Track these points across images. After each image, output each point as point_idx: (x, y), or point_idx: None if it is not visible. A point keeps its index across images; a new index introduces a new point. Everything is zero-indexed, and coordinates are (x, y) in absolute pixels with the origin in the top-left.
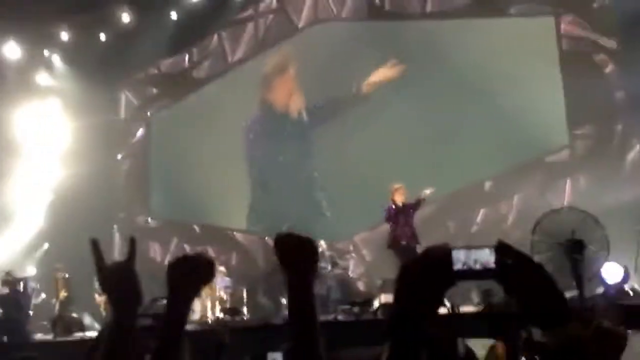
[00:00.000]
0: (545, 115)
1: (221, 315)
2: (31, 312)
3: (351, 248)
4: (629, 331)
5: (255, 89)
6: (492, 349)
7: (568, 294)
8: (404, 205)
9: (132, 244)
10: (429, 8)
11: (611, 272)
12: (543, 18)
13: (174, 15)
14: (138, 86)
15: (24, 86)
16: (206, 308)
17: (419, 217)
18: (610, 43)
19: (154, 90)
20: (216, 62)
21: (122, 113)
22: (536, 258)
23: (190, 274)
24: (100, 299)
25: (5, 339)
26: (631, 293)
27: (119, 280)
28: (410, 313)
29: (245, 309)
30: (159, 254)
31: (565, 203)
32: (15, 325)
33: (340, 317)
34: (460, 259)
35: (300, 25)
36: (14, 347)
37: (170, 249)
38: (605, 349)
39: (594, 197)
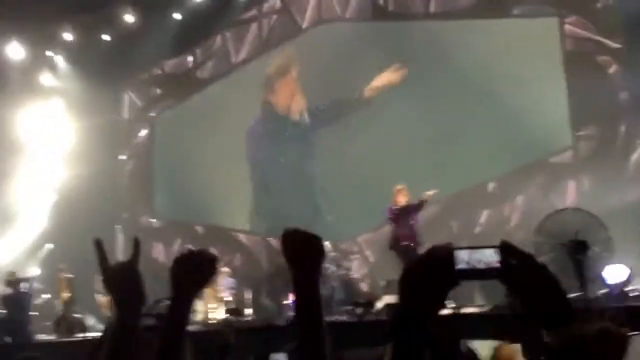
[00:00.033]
0: (549, 116)
1: (225, 316)
2: (34, 313)
3: (355, 249)
4: (633, 332)
5: (259, 89)
6: (497, 350)
7: (571, 295)
8: (406, 206)
9: (136, 244)
10: (432, 8)
11: (615, 273)
12: (546, 19)
13: (177, 16)
14: (142, 86)
15: (27, 86)
16: (209, 308)
17: (422, 218)
18: (614, 44)
19: (158, 91)
20: (220, 62)
21: (126, 113)
22: (539, 259)
23: (195, 270)
24: (102, 299)
25: (8, 339)
26: (635, 294)
27: (123, 281)
28: (414, 313)
29: (248, 310)
30: (162, 255)
31: (569, 204)
32: (18, 326)
33: (343, 318)
34: (463, 258)
35: (304, 25)
36: (17, 347)
37: (173, 250)
38: (608, 350)
39: (597, 198)
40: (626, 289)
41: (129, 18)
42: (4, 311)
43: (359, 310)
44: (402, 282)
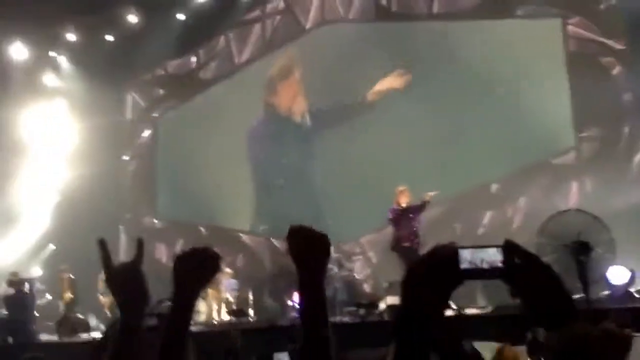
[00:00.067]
0: (552, 117)
1: (227, 317)
2: (36, 313)
3: (357, 250)
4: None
5: (261, 90)
6: (499, 352)
7: (574, 296)
8: (407, 207)
9: (139, 245)
10: (436, 9)
11: (617, 275)
12: (550, 20)
13: (180, 16)
14: (145, 87)
15: (30, 87)
16: (212, 309)
17: (425, 219)
18: (618, 45)
19: (161, 91)
20: (223, 63)
21: (129, 114)
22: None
23: (197, 267)
24: (104, 300)
25: (10, 339)
26: (637, 295)
27: (127, 281)
28: (417, 312)
29: (251, 311)
30: (165, 255)
31: (572, 205)
32: (20, 326)
33: (346, 319)
34: (467, 258)
35: (308, 26)
36: (19, 347)
37: (176, 250)
38: (610, 351)
39: (600, 199)
40: (629, 290)
41: (132, 19)
42: (7, 311)
43: (362, 311)
44: (405, 282)
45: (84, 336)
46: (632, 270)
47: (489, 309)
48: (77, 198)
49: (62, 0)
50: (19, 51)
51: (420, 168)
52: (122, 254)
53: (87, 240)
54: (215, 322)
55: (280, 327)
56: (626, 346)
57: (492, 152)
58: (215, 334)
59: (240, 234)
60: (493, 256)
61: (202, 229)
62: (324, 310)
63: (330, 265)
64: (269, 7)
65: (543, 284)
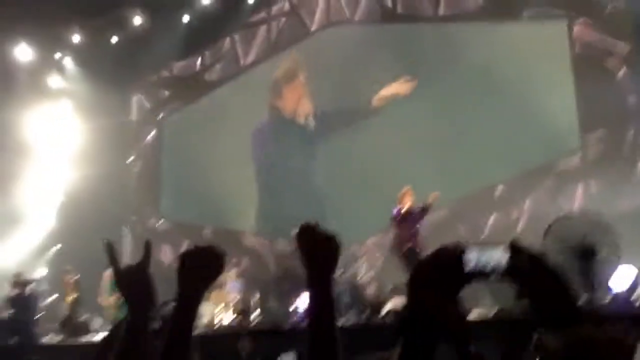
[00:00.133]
0: (557, 120)
1: (231, 319)
2: (41, 314)
3: (361, 252)
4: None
5: (267, 92)
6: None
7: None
8: (410, 210)
9: (147, 247)
10: (441, 11)
11: (622, 278)
12: (556, 22)
13: (186, 18)
14: (150, 89)
15: (35, 88)
16: (216, 311)
17: (429, 221)
18: (624, 47)
19: (166, 93)
20: (228, 65)
21: (134, 115)
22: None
23: (202, 265)
24: (106, 301)
25: (14, 340)
26: None
27: (134, 283)
28: (422, 314)
29: (255, 313)
30: (169, 257)
31: (577, 208)
32: (24, 327)
33: (349, 322)
34: (472, 259)
35: (313, 28)
36: (23, 348)
37: (180, 252)
38: (614, 356)
39: (605, 202)
40: (634, 293)
41: (138, 20)
42: (11, 312)
43: (366, 314)
44: (410, 283)
45: (88, 337)
46: (637, 273)
47: (493, 311)
48: (82, 199)
49: (67, 1)
50: (24, 52)
51: (425, 170)
52: (127, 255)
53: (92, 242)
54: (219, 325)
55: (284, 330)
56: (630, 352)
57: (497, 154)
58: (219, 336)
59: (245, 236)
60: (499, 257)
61: (207, 231)
62: (332, 310)
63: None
64: (275, 9)
65: (549, 285)
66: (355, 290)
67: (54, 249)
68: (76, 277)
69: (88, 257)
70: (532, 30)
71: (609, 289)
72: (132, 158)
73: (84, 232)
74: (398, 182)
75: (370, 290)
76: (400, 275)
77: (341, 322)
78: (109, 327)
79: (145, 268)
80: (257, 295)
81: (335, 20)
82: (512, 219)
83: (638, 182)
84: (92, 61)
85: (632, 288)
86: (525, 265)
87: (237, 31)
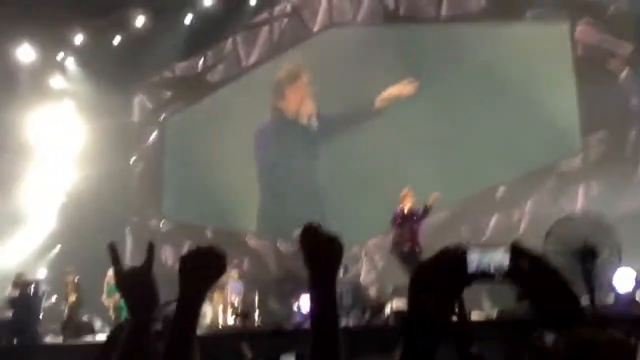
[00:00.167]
0: (559, 121)
1: (232, 320)
2: (41, 315)
3: (363, 254)
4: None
5: (269, 93)
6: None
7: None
8: (410, 212)
9: (150, 248)
10: (443, 12)
11: (624, 280)
12: (558, 23)
13: (188, 19)
14: (152, 89)
15: (37, 89)
16: (217, 313)
17: (431, 222)
18: (626, 49)
19: (168, 94)
20: (230, 65)
21: (136, 116)
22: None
23: (203, 266)
24: (109, 302)
25: (15, 341)
26: None
27: (137, 285)
28: (423, 317)
29: (256, 314)
30: (170, 258)
31: (578, 209)
32: (25, 328)
33: (351, 323)
34: (474, 260)
35: (315, 29)
36: (24, 349)
37: (182, 253)
38: (614, 357)
39: (607, 203)
40: (635, 296)
41: (140, 21)
42: (12, 313)
43: (367, 316)
44: (412, 285)
45: (89, 338)
46: (638, 275)
47: (494, 313)
48: (84, 200)
49: (69, 2)
50: (26, 53)
51: (427, 171)
52: (128, 256)
53: (93, 242)
54: (221, 326)
55: (285, 330)
56: (632, 353)
57: (499, 155)
58: (221, 336)
59: (247, 237)
60: (500, 259)
61: (208, 232)
62: (335, 311)
63: None
64: (277, 10)
65: (550, 286)
66: (357, 291)
67: (56, 249)
68: (77, 278)
69: (89, 258)
70: (534, 32)
71: (611, 290)
72: (134, 159)
73: (85, 233)
74: (400, 183)
75: (372, 291)
76: (402, 276)
77: (343, 323)
78: (110, 327)
79: (148, 270)
80: (258, 296)
81: (338, 21)
82: (514, 220)
83: (639, 183)
84: (95, 62)
85: (634, 289)
86: (526, 267)
87: (239, 32)
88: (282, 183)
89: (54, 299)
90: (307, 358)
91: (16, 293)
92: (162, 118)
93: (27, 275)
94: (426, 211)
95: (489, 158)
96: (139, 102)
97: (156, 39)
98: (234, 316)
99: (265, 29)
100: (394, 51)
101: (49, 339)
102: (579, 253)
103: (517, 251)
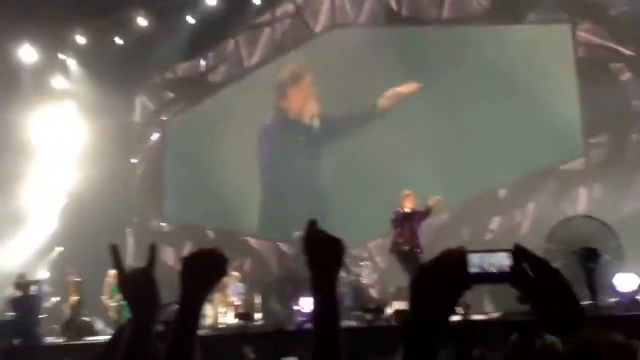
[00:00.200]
0: (561, 123)
1: (234, 321)
2: (43, 316)
3: (364, 255)
4: None
5: (271, 93)
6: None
7: (582, 303)
8: (410, 212)
9: (152, 250)
10: (446, 14)
11: (625, 282)
12: (560, 25)
13: (190, 20)
14: (154, 90)
15: (39, 89)
16: (218, 313)
17: (432, 224)
18: (628, 51)
19: (170, 94)
20: (232, 66)
21: (138, 117)
22: None
23: (205, 268)
24: (110, 303)
25: (16, 341)
26: None
27: (138, 286)
28: (424, 318)
29: (258, 315)
30: (172, 259)
31: (580, 211)
32: (27, 328)
33: (352, 324)
34: (475, 262)
35: (318, 30)
36: (25, 350)
37: (183, 254)
38: (616, 359)
39: (608, 205)
40: (636, 298)
41: (142, 22)
42: (14, 313)
43: (369, 317)
44: (413, 286)
45: (90, 339)
46: None
47: (496, 315)
48: (85, 200)
49: (71, 2)
50: (28, 53)
51: (429, 173)
52: (129, 257)
53: (94, 243)
54: (222, 326)
55: (287, 331)
56: (634, 356)
57: (501, 157)
58: (222, 337)
59: (248, 238)
60: (502, 261)
61: (210, 233)
62: (337, 312)
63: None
64: (279, 10)
65: (552, 288)
66: (359, 292)
67: (57, 250)
68: (78, 279)
69: (90, 259)
70: (536, 34)
71: (613, 292)
72: (135, 159)
73: (86, 234)
74: (401, 184)
75: (373, 293)
76: (403, 278)
77: (344, 324)
78: (111, 328)
79: (150, 272)
80: (260, 297)
81: (340, 22)
82: (516, 222)
83: None
84: (96, 62)
85: (636, 290)
86: (528, 269)
87: (241, 33)
88: (284, 183)
89: (55, 299)
90: (309, 359)
91: (17, 294)
92: (163, 119)
93: (29, 275)
94: (426, 212)
95: (490, 159)
96: (141, 102)
97: (158, 40)
98: (235, 317)
99: (267, 30)
100: (395, 52)
101: (50, 340)
102: (581, 254)
103: (519, 254)
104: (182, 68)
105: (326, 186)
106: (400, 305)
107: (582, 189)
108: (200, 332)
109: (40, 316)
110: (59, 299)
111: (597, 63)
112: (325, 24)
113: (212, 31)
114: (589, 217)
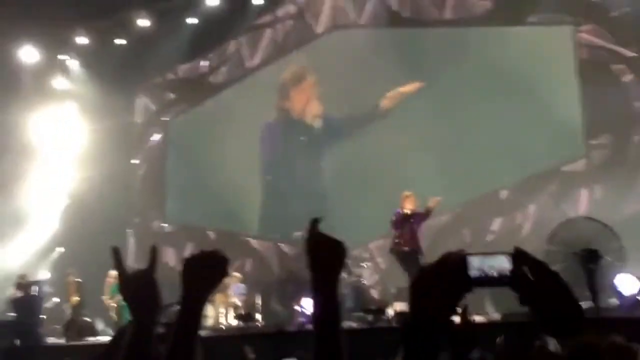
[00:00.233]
0: (562, 125)
1: (235, 322)
2: (44, 316)
3: (366, 256)
4: None
5: (272, 94)
6: None
7: (583, 305)
8: (410, 213)
9: (153, 252)
10: (447, 15)
11: (627, 283)
12: (562, 27)
13: (192, 21)
14: (155, 91)
15: (40, 90)
16: (220, 314)
17: (433, 225)
18: (629, 52)
19: (172, 95)
20: (234, 67)
21: (139, 117)
22: (551, 268)
23: (206, 270)
24: (111, 303)
25: (18, 342)
26: None
27: (140, 288)
28: (425, 319)
29: (258, 316)
30: (173, 260)
31: (581, 213)
32: (28, 329)
33: (353, 325)
34: (475, 265)
35: (319, 31)
36: (27, 350)
37: (184, 255)
38: None
39: (610, 207)
40: (638, 299)
41: (144, 22)
42: (15, 314)
43: (370, 318)
44: (413, 289)
45: (91, 339)
46: None
47: (496, 317)
48: (86, 201)
49: (72, 3)
50: (29, 54)
51: (430, 174)
52: (130, 258)
53: (96, 244)
54: (223, 327)
55: (288, 332)
56: (634, 358)
57: (502, 158)
58: (223, 338)
59: (249, 239)
60: (502, 264)
61: (211, 234)
62: (338, 314)
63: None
64: (281, 11)
65: (551, 291)
66: (360, 293)
67: (58, 250)
68: (78, 280)
69: (91, 259)
70: (538, 35)
71: (614, 294)
72: (136, 160)
73: (87, 234)
74: (402, 185)
75: (374, 293)
76: (404, 279)
77: (345, 325)
78: (112, 329)
79: (151, 274)
80: (261, 298)
81: (341, 24)
82: (517, 223)
83: None
84: (97, 63)
85: (637, 293)
86: (528, 272)
87: (243, 34)
88: (285, 183)
89: (56, 300)
90: None
91: (18, 294)
92: (165, 120)
93: (30, 276)
94: (427, 213)
95: (491, 160)
96: (142, 103)
97: (159, 40)
98: (236, 318)
99: (269, 31)
100: (397, 53)
101: (51, 340)
102: (582, 256)
103: (519, 256)
104: (184, 69)
105: (327, 186)
106: (401, 306)
107: (584, 190)
108: (202, 333)
109: (41, 317)
110: (59, 299)
111: (598, 64)
112: (327, 25)
113: (214, 32)
114: (590, 218)
